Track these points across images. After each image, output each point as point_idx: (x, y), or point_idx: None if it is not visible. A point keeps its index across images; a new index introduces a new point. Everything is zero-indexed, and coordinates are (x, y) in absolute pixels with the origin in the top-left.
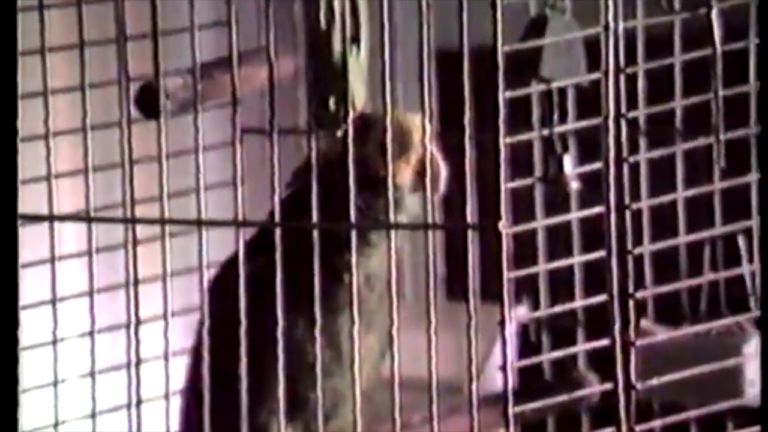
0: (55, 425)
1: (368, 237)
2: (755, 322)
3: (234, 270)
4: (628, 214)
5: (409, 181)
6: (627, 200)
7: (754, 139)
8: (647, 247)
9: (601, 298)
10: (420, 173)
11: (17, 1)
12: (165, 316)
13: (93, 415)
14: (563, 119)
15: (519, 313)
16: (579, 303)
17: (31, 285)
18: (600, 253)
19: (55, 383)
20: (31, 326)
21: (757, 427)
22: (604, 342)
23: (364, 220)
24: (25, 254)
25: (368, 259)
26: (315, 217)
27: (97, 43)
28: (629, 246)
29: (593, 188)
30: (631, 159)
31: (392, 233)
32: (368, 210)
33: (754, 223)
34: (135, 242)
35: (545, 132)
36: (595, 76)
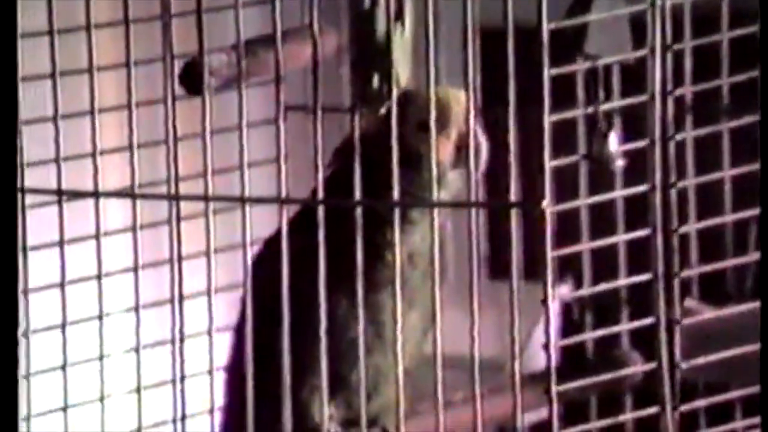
0: (101, 399)
1: (410, 214)
2: None
3: (276, 247)
4: (673, 192)
5: (449, 157)
6: (672, 178)
7: None
8: (692, 226)
9: (646, 276)
10: (460, 149)
11: None
12: (208, 293)
13: (138, 390)
14: (608, 97)
15: (562, 292)
16: (623, 282)
17: (76, 261)
18: (645, 232)
19: (101, 358)
20: (77, 301)
21: None
22: (648, 321)
23: (405, 197)
24: (70, 230)
25: (410, 237)
26: (357, 195)
27: (143, 20)
28: (674, 224)
29: (638, 166)
30: (677, 137)
31: (435, 211)
32: (408, 187)
33: None
34: (179, 219)
35: (590, 110)
36: (641, 53)
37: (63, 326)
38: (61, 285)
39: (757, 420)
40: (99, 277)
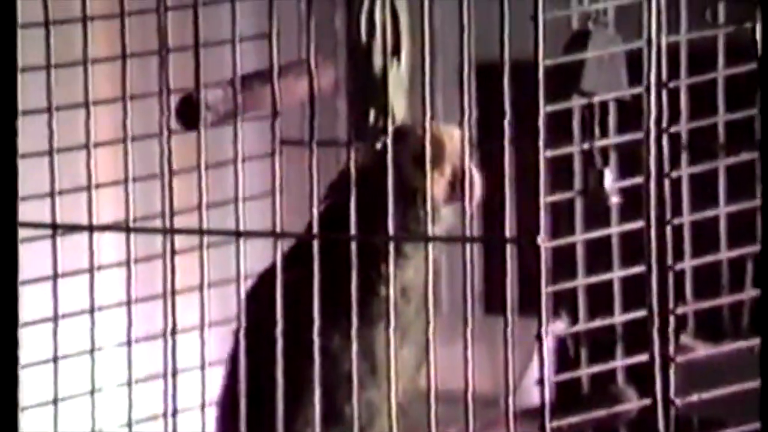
0: None
1: (403, 249)
2: None
3: (271, 281)
4: (668, 228)
5: (443, 193)
6: (668, 215)
7: None
8: (688, 263)
9: (641, 313)
10: (454, 184)
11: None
12: (202, 326)
13: (129, 424)
14: (604, 133)
15: (557, 327)
16: (618, 318)
17: (70, 294)
18: (640, 268)
19: (93, 392)
20: (70, 335)
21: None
22: (644, 357)
23: (399, 231)
24: (64, 264)
25: (403, 271)
26: (353, 229)
27: (139, 54)
28: (670, 261)
29: (634, 203)
30: (673, 174)
31: (429, 245)
32: (402, 221)
33: None
34: (173, 252)
35: (586, 146)
36: (637, 90)
37: (55, 360)
38: (54, 318)
39: None
40: (92, 310)
